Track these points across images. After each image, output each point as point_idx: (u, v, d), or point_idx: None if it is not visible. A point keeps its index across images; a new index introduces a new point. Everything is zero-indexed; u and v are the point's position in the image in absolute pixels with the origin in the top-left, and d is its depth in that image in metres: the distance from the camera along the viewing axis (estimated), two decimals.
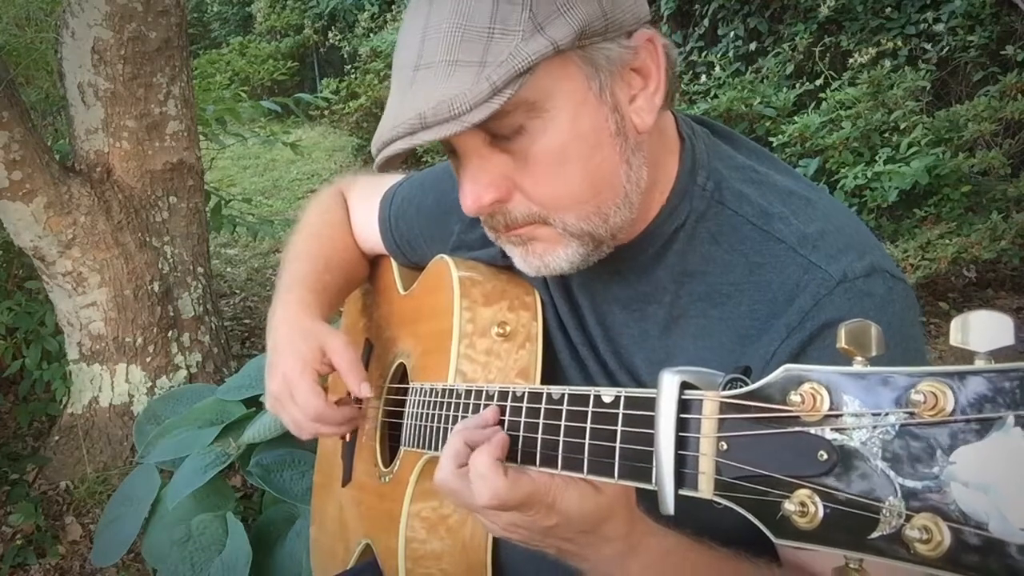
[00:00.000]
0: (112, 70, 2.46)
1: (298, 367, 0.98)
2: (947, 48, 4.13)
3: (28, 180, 2.36)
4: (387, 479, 1.01)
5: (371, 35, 7.75)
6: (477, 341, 0.88)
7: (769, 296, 0.74)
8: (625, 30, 0.71)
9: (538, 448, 0.67)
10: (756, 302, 0.75)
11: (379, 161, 0.71)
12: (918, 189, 3.36)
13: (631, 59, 0.72)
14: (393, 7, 7.87)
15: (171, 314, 2.68)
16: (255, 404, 2.00)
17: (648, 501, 0.64)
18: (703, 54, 5.03)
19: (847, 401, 0.44)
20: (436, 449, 0.86)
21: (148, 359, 2.63)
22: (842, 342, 0.45)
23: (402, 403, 0.98)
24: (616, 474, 0.60)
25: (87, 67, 2.46)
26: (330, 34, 8.53)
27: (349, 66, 7.68)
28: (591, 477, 0.63)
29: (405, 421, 0.96)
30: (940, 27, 4.16)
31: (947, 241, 3.14)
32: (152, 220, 2.63)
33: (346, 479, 1.15)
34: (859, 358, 0.45)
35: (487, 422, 0.71)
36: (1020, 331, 0.40)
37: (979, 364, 0.39)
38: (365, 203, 1.20)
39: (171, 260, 2.69)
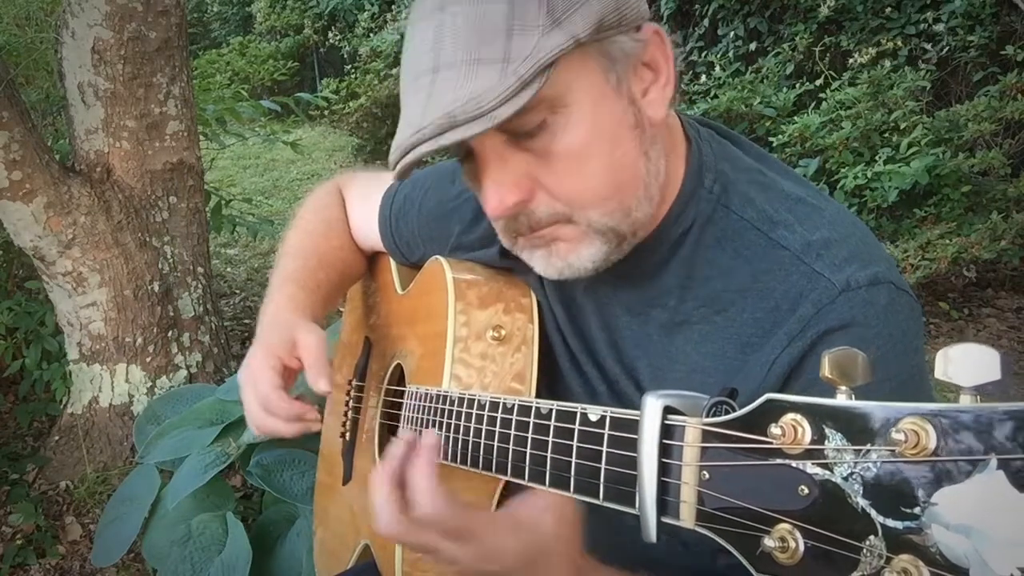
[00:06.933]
0: (112, 70, 2.47)
1: (261, 355, 0.96)
2: (947, 48, 4.13)
3: (28, 180, 2.36)
4: None
5: (371, 35, 7.75)
6: (472, 345, 0.88)
7: (772, 304, 0.74)
8: (635, 24, 0.71)
9: (527, 463, 0.68)
10: (759, 309, 0.74)
11: (403, 166, 0.69)
12: (918, 189, 3.37)
13: (642, 52, 0.72)
14: (393, 7, 7.87)
15: (171, 314, 2.68)
16: None
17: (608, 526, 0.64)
18: (703, 54, 5.03)
19: (829, 434, 0.43)
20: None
21: (148, 359, 2.63)
22: (825, 371, 0.44)
23: (400, 405, 0.98)
24: (601, 495, 0.60)
25: (87, 67, 2.46)
26: (330, 34, 8.53)
27: (349, 66, 7.68)
28: (576, 496, 0.63)
29: (402, 424, 0.96)
30: (940, 27, 4.15)
31: (947, 241, 3.14)
32: (152, 220, 2.64)
33: (346, 478, 1.15)
34: (843, 388, 0.44)
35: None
36: (1007, 364, 0.39)
37: (964, 401, 0.38)
38: (364, 200, 1.19)
39: (171, 260, 2.69)
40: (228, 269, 4.49)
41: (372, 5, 8.22)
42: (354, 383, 1.20)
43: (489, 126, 0.64)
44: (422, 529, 0.67)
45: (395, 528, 0.67)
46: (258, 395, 0.94)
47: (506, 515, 0.69)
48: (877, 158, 3.48)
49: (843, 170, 3.53)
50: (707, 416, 0.51)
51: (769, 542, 0.45)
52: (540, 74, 0.64)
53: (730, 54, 4.95)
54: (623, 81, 0.71)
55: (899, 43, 4.17)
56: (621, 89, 0.71)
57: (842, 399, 0.43)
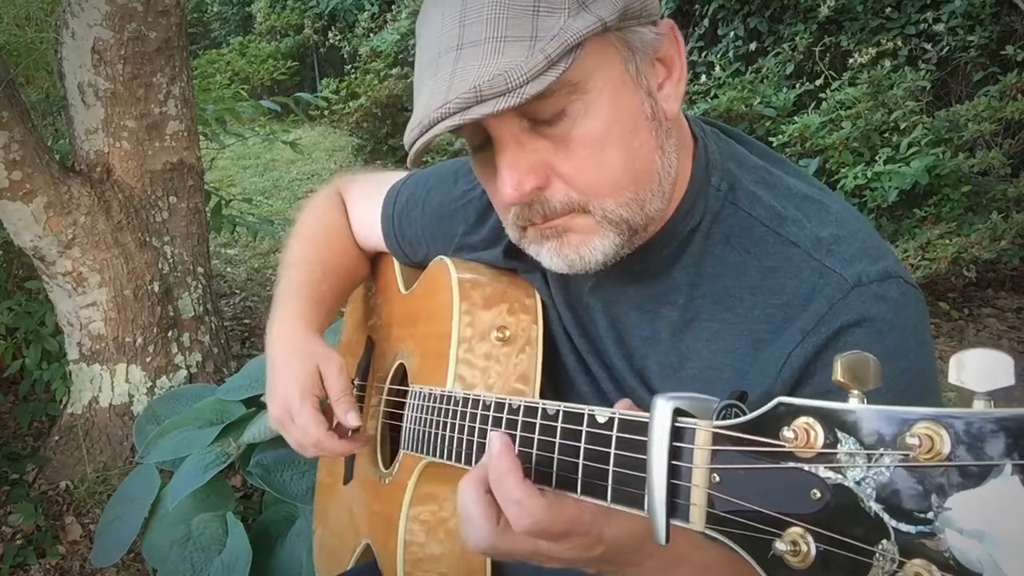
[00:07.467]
0: (112, 70, 2.46)
1: (296, 393, 0.98)
2: (947, 48, 4.13)
3: (28, 180, 2.36)
4: (387, 480, 1.01)
5: (371, 35, 7.75)
6: (476, 345, 0.88)
7: (783, 300, 0.74)
8: (653, 17, 0.72)
9: (533, 464, 0.67)
10: (770, 306, 0.75)
11: (423, 143, 0.67)
12: (918, 189, 3.36)
13: (659, 46, 0.73)
14: (393, 7, 7.87)
15: (171, 314, 2.68)
16: (255, 404, 2.00)
17: None
18: (703, 54, 5.03)
19: (841, 438, 0.43)
20: (434, 455, 0.86)
21: (148, 359, 2.63)
22: (838, 375, 0.44)
23: (402, 404, 0.98)
24: (609, 497, 0.60)
25: (87, 67, 2.46)
26: (330, 34, 8.53)
27: (349, 66, 7.68)
28: (584, 498, 0.62)
29: (404, 424, 0.96)
30: (940, 27, 4.15)
31: (947, 241, 3.14)
32: (152, 220, 2.63)
33: (347, 478, 1.15)
34: (856, 392, 0.44)
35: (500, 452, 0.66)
36: (1020, 367, 0.39)
37: (978, 407, 0.38)
38: (366, 201, 1.19)
39: (171, 260, 2.69)
40: (228, 269, 4.49)
41: (372, 5, 8.22)
42: (356, 382, 1.20)
43: (517, 102, 0.63)
44: (520, 540, 0.65)
45: (488, 542, 0.66)
46: (310, 439, 0.98)
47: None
48: (877, 158, 3.48)
49: (843, 170, 3.53)
50: (717, 419, 0.51)
51: (780, 545, 0.45)
52: (567, 54, 0.64)
53: (730, 54, 4.95)
54: (641, 72, 0.72)
55: (899, 43, 4.17)
56: (640, 80, 0.72)
57: (854, 403, 0.43)
